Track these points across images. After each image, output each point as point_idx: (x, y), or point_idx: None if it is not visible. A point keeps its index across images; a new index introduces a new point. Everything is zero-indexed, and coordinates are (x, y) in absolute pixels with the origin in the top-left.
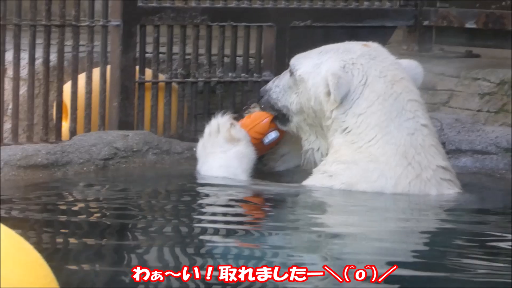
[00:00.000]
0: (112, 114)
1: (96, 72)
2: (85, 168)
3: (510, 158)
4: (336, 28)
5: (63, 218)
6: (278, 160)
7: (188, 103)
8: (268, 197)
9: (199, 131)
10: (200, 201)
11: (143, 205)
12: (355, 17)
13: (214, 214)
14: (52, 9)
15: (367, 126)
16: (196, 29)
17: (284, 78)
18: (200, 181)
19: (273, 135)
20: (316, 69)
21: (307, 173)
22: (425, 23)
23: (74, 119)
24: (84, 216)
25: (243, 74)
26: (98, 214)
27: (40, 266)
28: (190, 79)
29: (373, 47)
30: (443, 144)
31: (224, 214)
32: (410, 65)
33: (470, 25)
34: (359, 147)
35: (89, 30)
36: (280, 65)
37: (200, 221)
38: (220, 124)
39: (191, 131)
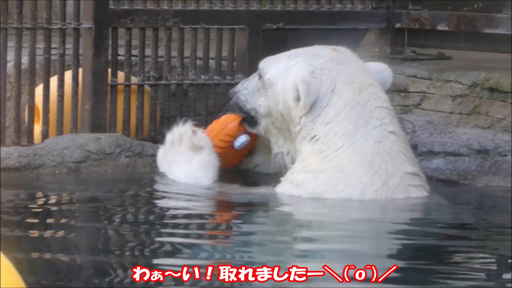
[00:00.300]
0: (85, 117)
1: (68, 75)
2: (57, 171)
3: (481, 160)
4: (309, 31)
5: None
6: (252, 170)
7: (160, 105)
8: (233, 207)
9: None
10: (162, 211)
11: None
12: (327, 19)
13: (175, 226)
14: (24, 11)
15: (335, 135)
16: (168, 32)
17: (252, 81)
18: (165, 188)
19: (243, 138)
20: (285, 73)
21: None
22: (397, 25)
23: (46, 122)
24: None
25: (216, 77)
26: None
27: (10, 275)
28: (163, 82)
29: (342, 52)
30: (415, 146)
31: (180, 226)
32: (379, 68)
33: (442, 27)
34: (327, 156)
35: (61, 33)
36: (253, 67)
37: (159, 232)
38: (182, 133)
39: (164, 133)
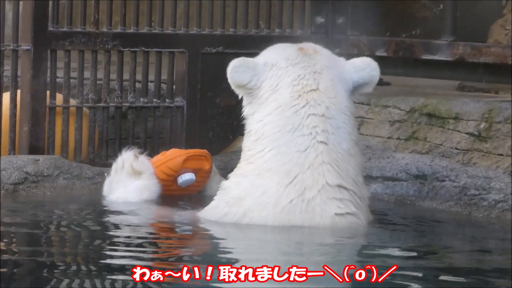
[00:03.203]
0: (23, 139)
1: (6, 97)
2: None
3: (419, 185)
4: (248, 55)
5: None
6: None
7: (99, 128)
8: (163, 228)
9: (110, 156)
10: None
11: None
12: (267, 43)
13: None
14: None
15: (261, 135)
16: (107, 54)
17: None
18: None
19: (187, 176)
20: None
21: None
22: (336, 51)
23: None
24: None
25: (155, 100)
26: None
27: None
28: (102, 104)
29: (307, 52)
30: None
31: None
32: (362, 64)
33: (380, 53)
34: (251, 156)
35: None
36: (192, 90)
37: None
38: (124, 160)
39: (102, 156)
